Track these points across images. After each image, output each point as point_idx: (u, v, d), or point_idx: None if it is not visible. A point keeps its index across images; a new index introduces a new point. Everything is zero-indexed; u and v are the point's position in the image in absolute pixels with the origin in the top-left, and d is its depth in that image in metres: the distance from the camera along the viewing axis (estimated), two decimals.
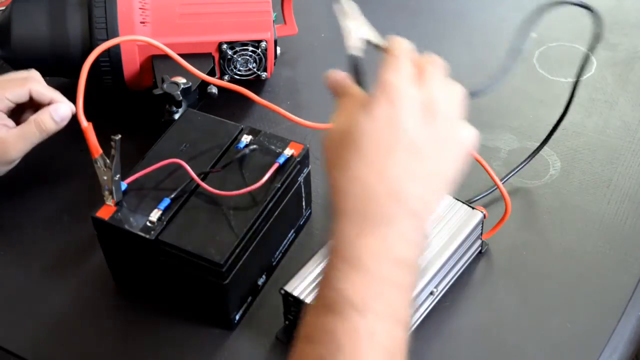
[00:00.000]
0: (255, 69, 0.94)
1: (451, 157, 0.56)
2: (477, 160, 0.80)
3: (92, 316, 0.77)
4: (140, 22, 0.89)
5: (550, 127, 0.93)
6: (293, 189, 0.78)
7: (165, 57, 0.81)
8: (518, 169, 0.86)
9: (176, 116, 0.85)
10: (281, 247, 0.79)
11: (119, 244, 0.73)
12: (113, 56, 0.88)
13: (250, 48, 0.92)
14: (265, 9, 0.92)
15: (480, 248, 0.79)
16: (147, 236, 0.70)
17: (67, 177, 0.89)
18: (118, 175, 0.72)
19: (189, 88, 0.85)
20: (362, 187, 0.53)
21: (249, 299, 0.76)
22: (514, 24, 1.09)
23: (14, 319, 0.77)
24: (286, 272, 0.76)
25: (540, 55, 1.03)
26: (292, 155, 0.77)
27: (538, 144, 0.91)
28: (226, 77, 0.93)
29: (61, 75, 0.93)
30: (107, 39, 0.86)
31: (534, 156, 0.87)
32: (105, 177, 0.72)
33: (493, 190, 0.84)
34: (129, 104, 0.95)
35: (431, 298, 0.73)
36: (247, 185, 0.73)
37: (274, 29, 0.94)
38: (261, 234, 0.73)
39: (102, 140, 0.72)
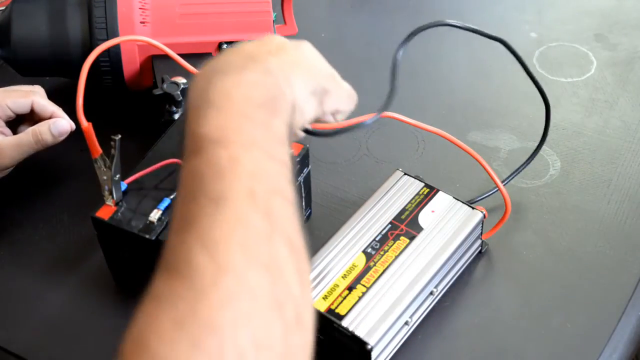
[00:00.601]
0: None
1: (321, 70, 0.61)
2: (477, 160, 0.80)
3: (92, 316, 0.77)
4: (140, 22, 0.89)
5: (550, 127, 0.93)
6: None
7: (165, 57, 0.81)
8: (519, 170, 0.86)
9: (176, 116, 0.85)
10: None
11: (119, 244, 0.73)
12: (113, 56, 0.88)
13: None
14: (265, 9, 0.92)
15: (480, 248, 0.79)
16: (147, 236, 0.70)
17: (67, 177, 0.89)
18: (118, 175, 0.72)
19: (189, 87, 0.85)
20: (221, 55, 0.56)
21: None
22: (514, 24, 1.09)
23: (14, 319, 0.77)
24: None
25: (540, 55, 1.03)
26: (292, 155, 0.77)
27: (538, 144, 0.91)
28: None
29: (61, 75, 0.93)
30: (107, 39, 0.86)
31: (534, 157, 0.87)
32: (105, 177, 0.72)
33: (494, 192, 0.84)
34: (129, 104, 0.95)
35: (431, 298, 0.73)
36: None
37: (274, 29, 0.94)
38: None
39: (102, 140, 0.72)
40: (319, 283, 0.70)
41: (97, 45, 0.77)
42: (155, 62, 0.89)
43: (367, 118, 0.78)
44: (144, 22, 0.89)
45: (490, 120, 0.94)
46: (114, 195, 0.72)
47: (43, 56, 0.89)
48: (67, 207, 0.86)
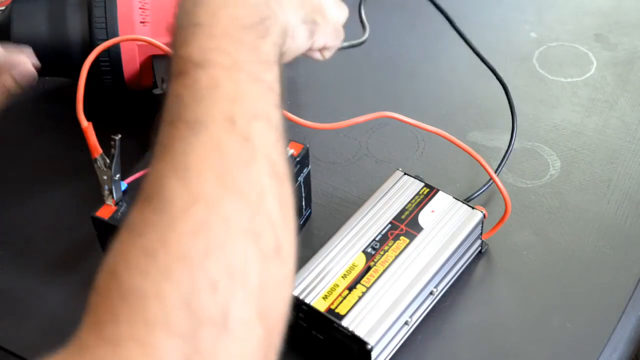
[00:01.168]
0: None
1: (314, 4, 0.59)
2: (477, 160, 0.80)
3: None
4: (140, 22, 0.89)
5: (550, 127, 0.93)
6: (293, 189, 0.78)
7: (165, 57, 0.81)
8: (505, 158, 0.87)
9: None
10: None
11: None
12: (113, 56, 0.88)
13: None
14: None
15: (480, 248, 0.79)
16: None
17: (67, 177, 0.89)
18: (118, 175, 0.72)
19: None
20: None
21: None
22: (514, 24, 1.09)
23: (14, 319, 0.77)
24: (296, 245, 0.76)
25: (540, 55, 1.03)
26: (292, 155, 0.77)
27: (538, 144, 0.91)
28: None
29: (61, 75, 0.93)
30: (107, 39, 0.86)
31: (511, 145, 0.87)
32: (105, 177, 0.72)
33: (489, 185, 0.84)
34: (129, 104, 0.95)
35: (431, 298, 0.73)
36: None
37: None
38: None
39: (102, 140, 0.72)
40: (319, 283, 0.70)
41: (97, 45, 0.77)
42: (155, 62, 0.89)
43: (367, 118, 0.78)
44: (144, 22, 0.89)
45: (490, 120, 0.94)
46: (114, 195, 0.72)
47: (43, 56, 0.89)
48: (67, 207, 0.86)
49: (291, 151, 0.77)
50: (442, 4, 1.13)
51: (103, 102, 0.94)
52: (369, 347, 0.66)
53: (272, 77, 0.50)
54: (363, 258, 0.72)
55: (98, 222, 0.72)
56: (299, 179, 0.78)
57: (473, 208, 0.76)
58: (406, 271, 0.71)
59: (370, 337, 0.66)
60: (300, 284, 0.70)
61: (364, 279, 0.70)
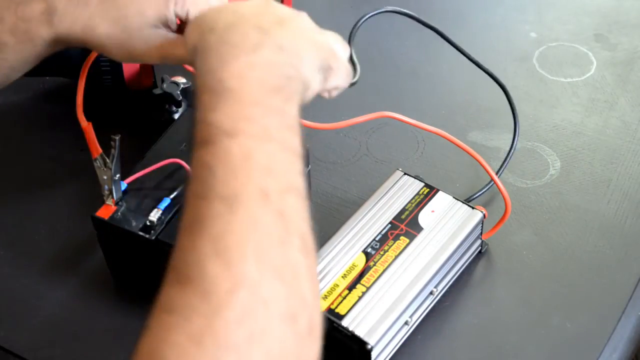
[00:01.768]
0: None
1: (325, 49, 0.59)
2: (477, 160, 0.80)
3: (92, 316, 0.77)
4: None
5: (550, 127, 0.93)
6: None
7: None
8: (507, 160, 0.87)
9: (176, 116, 0.85)
10: None
11: (119, 244, 0.73)
12: None
13: None
14: None
15: (480, 248, 0.79)
16: (147, 236, 0.70)
17: (67, 177, 0.89)
18: (118, 175, 0.72)
19: (189, 88, 0.85)
20: (226, 21, 0.54)
21: None
22: (514, 24, 1.09)
23: (14, 319, 0.77)
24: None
25: (540, 55, 1.03)
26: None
27: (538, 144, 0.91)
28: None
29: (61, 75, 0.93)
30: None
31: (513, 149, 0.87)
32: (105, 177, 0.72)
33: (490, 186, 0.84)
34: (129, 104, 0.95)
35: (431, 298, 0.73)
36: None
37: None
38: None
39: (102, 140, 0.72)
40: (319, 283, 0.70)
41: None
42: None
43: (367, 118, 0.78)
44: None
45: (490, 120, 0.94)
46: (114, 195, 0.72)
47: None
48: (67, 207, 0.86)
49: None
50: (441, 4, 1.13)
51: (103, 102, 0.94)
52: (369, 347, 0.66)
53: (297, 142, 0.51)
54: (363, 258, 0.72)
55: (98, 222, 0.72)
56: None
57: (473, 208, 0.76)
58: (406, 271, 0.71)
59: (370, 337, 0.66)
60: None
61: (364, 279, 0.70)
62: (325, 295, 0.69)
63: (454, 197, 0.77)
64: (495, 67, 1.01)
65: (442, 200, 0.77)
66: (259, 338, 0.42)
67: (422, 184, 0.78)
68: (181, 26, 0.63)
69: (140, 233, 0.70)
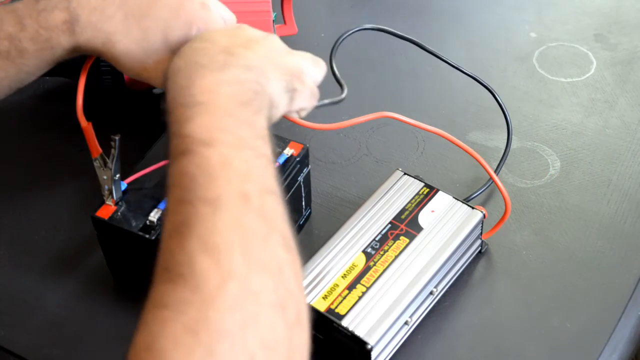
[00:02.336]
0: None
1: (290, 69, 0.62)
2: (477, 160, 0.80)
3: (92, 316, 0.77)
4: None
5: (550, 127, 0.93)
6: (293, 189, 0.78)
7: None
8: (503, 160, 0.88)
9: None
10: None
11: (119, 244, 0.73)
12: None
13: None
14: (265, 9, 0.92)
15: (480, 248, 0.79)
16: (147, 236, 0.70)
17: (67, 177, 0.89)
18: (118, 175, 0.72)
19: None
20: (194, 46, 0.58)
21: None
22: (514, 24, 1.09)
23: (14, 319, 0.77)
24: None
25: (540, 55, 1.03)
26: (292, 155, 0.77)
27: (538, 144, 0.91)
28: None
29: (61, 75, 0.93)
30: None
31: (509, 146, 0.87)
32: (105, 177, 0.72)
33: (489, 185, 0.84)
34: (129, 104, 0.95)
35: (431, 298, 0.73)
36: None
37: (274, 29, 0.94)
38: None
39: (102, 140, 0.72)
40: (319, 283, 0.70)
41: None
42: None
43: (367, 118, 0.78)
44: None
45: (490, 120, 0.94)
46: (114, 195, 0.72)
47: None
48: (67, 207, 0.86)
49: (291, 151, 0.77)
50: (441, 4, 1.13)
51: (103, 102, 0.94)
52: (369, 347, 0.66)
53: (269, 151, 0.54)
54: (363, 258, 0.72)
55: (98, 222, 0.72)
56: (298, 179, 0.78)
57: (473, 208, 0.76)
58: (406, 271, 0.71)
59: (370, 337, 0.66)
60: None
61: (364, 278, 0.70)
62: (325, 295, 0.69)
63: (453, 197, 0.77)
64: (495, 67, 1.02)
65: (442, 200, 0.77)
66: (251, 325, 0.44)
67: (422, 184, 0.78)
68: None
69: (140, 233, 0.70)
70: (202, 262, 0.45)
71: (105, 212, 0.72)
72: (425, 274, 0.71)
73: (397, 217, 0.75)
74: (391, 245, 0.73)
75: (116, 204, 0.73)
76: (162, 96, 0.80)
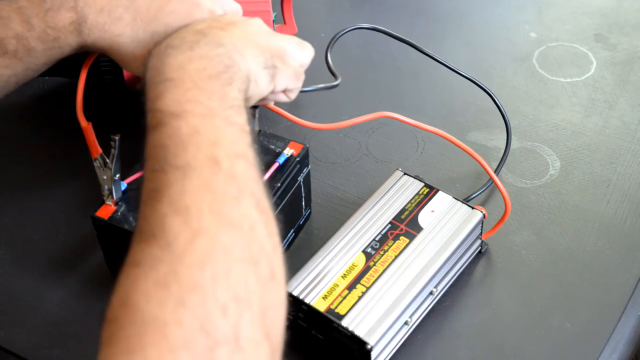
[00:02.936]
0: None
1: (272, 47, 0.63)
2: (477, 160, 0.80)
3: (92, 316, 0.77)
4: None
5: (550, 127, 0.93)
6: (293, 189, 0.78)
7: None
8: (503, 160, 0.88)
9: None
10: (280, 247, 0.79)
11: (119, 244, 0.73)
12: None
13: None
14: (265, 9, 0.92)
15: (480, 248, 0.79)
16: None
17: (67, 177, 0.89)
18: (118, 175, 0.72)
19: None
20: (173, 35, 0.60)
21: None
22: (514, 24, 1.09)
23: (14, 319, 0.77)
24: (286, 271, 0.76)
25: (540, 55, 1.03)
26: (291, 155, 0.77)
27: (538, 144, 0.91)
28: None
29: (61, 75, 0.93)
30: None
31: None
32: (104, 177, 0.72)
33: (489, 185, 0.84)
34: (129, 104, 0.95)
35: (431, 298, 0.73)
36: None
37: (274, 29, 0.94)
38: None
39: (102, 140, 0.72)
40: (319, 283, 0.70)
41: None
42: None
43: (367, 118, 0.78)
44: None
45: (490, 120, 0.94)
46: (114, 195, 0.72)
47: None
48: (67, 207, 0.86)
49: (291, 151, 0.77)
50: (441, 4, 1.13)
51: (103, 102, 0.94)
52: (369, 347, 0.66)
53: (242, 120, 0.55)
54: (363, 258, 0.72)
55: (98, 222, 0.72)
56: (298, 179, 0.78)
57: (473, 208, 0.76)
58: (406, 271, 0.71)
59: (370, 337, 0.66)
60: (300, 284, 0.70)
61: (364, 278, 0.70)
62: (325, 295, 0.69)
63: (453, 197, 0.77)
64: (495, 67, 1.02)
65: (441, 200, 0.77)
66: (222, 279, 0.45)
67: (422, 184, 0.78)
68: None
69: None
70: (172, 222, 0.46)
71: (105, 212, 0.72)
72: (425, 274, 0.71)
73: (397, 217, 0.75)
74: (391, 245, 0.73)
75: (116, 204, 0.73)
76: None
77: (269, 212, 0.51)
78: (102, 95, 0.92)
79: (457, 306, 0.76)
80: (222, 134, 0.52)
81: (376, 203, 0.77)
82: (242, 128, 0.54)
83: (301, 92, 0.71)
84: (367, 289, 0.69)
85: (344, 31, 0.85)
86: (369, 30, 0.88)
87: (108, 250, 0.76)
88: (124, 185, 0.73)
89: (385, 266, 0.71)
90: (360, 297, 0.69)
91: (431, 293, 0.73)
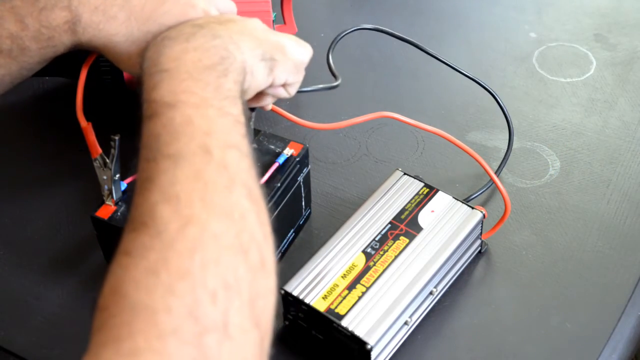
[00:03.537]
0: None
1: (271, 41, 0.63)
2: (477, 160, 0.80)
3: (92, 316, 0.77)
4: None
5: (550, 127, 0.93)
6: (293, 189, 0.78)
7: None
8: (504, 161, 0.88)
9: None
10: (280, 247, 0.79)
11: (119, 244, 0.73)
12: None
13: None
14: (265, 9, 0.92)
15: (479, 248, 0.79)
16: None
17: (67, 177, 0.89)
18: (117, 175, 0.72)
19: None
20: (168, 30, 0.60)
21: None
22: (513, 24, 1.09)
23: (14, 319, 0.77)
24: (286, 271, 0.76)
25: (540, 55, 1.03)
26: (291, 155, 0.77)
27: (537, 144, 0.91)
28: None
29: (61, 75, 0.93)
30: None
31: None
32: (104, 177, 0.72)
33: (489, 185, 0.84)
34: (129, 104, 0.95)
35: (431, 298, 0.73)
36: None
37: (274, 29, 0.94)
38: None
39: (102, 140, 0.72)
40: (318, 283, 0.70)
41: None
42: None
43: (367, 118, 0.78)
44: None
45: (490, 120, 0.94)
46: (114, 195, 0.72)
47: None
48: (67, 207, 0.86)
49: (291, 151, 0.77)
50: (441, 4, 1.13)
51: (103, 102, 0.94)
52: (369, 347, 0.66)
53: (237, 111, 0.55)
54: (363, 258, 0.72)
55: (98, 222, 0.72)
56: (298, 179, 0.78)
57: (473, 208, 0.76)
58: (406, 271, 0.71)
59: (370, 337, 0.66)
60: (300, 284, 0.70)
61: (364, 279, 0.70)
62: (325, 295, 0.69)
63: (453, 197, 0.77)
64: (494, 67, 1.02)
65: (441, 200, 0.77)
66: (212, 266, 0.45)
67: (422, 184, 0.78)
68: None
69: None
70: (163, 210, 0.47)
71: (105, 212, 0.72)
72: (425, 274, 0.71)
73: (397, 217, 0.75)
74: (391, 245, 0.73)
75: (116, 204, 0.73)
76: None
77: (260, 202, 0.51)
78: (102, 95, 0.93)
79: (456, 306, 0.76)
80: (215, 124, 0.52)
81: (376, 203, 0.77)
82: (236, 119, 0.54)
83: (301, 92, 0.71)
84: (367, 289, 0.69)
85: (346, 32, 0.85)
86: (368, 30, 0.88)
87: (108, 250, 0.76)
88: (123, 185, 0.73)
89: (385, 266, 0.71)
90: (360, 297, 0.69)
91: (431, 293, 0.73)
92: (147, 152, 0.51)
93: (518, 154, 0.89)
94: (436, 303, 0.75)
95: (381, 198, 0.77)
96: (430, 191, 0.78)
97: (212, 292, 0.44)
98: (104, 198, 0.73)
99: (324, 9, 1.14)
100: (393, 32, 0.86)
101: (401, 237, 0.73)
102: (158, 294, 0.43)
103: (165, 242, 0.45)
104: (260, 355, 0.46)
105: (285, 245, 0.80)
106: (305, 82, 0.69)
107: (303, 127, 0.81)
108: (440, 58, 0.88)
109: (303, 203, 0.82)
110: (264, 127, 0.87)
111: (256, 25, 0.64)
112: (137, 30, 0.63)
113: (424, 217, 0.75)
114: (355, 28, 0.87)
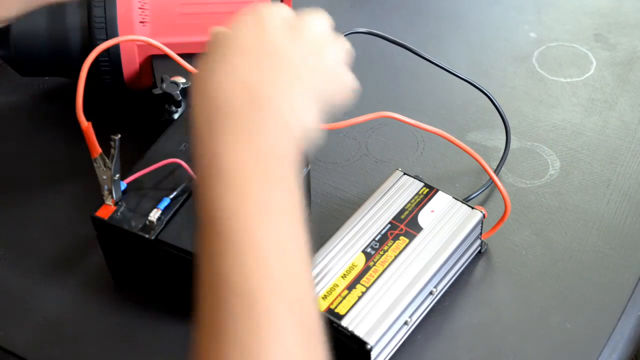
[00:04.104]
0: None
1: (320, 72, 0.55)
2: (477, 160, 0.80)
3: (92, 316, 0.77)
4: (140, 22, 0.89)
5: (550, 127, 0.93)
6: None
7: (165, 57, 0.81)
8: (503, 160, 0.88)
9: (176, 116, 0.85)
10: None
11: (119, 244, 0.73)
12: (112, 56, 0.88)
13: None
14: None
15: (479, 248, 0.79)
16: (147, 236, 0.70)
17: (67, 177, 0.89)
18: (118, 175, 0.72)
19: (188, 88, 0.85)
20: (225, 96, 0.50)
21: None
22: (513, 24, 1.09)
23: (14, 319, 0.77)
24: None
25: (540, 55, 1.03)
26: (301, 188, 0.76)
27: (537, 144, 0.91)
28: None
29: (61, 75, 0.93)
30: (107, 39, 0.86)
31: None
32: (104, 177, 0.72)
33: (489, 185, 0.84)
34: (129, 104, 0.95)
35: (430, 298, 0.73)
36: None
37: None
38: None
39: (102, 140, 0.72)
40: (318, 283, 0.70)
41: (97, 45, 0.77)
42: (155, 62, 0.89)
43: (367, 118, 0.78)
44: (143, 22, 0.89)
45: (490, 120, 0.94)
46: (114, 195, 0.72)
47: (42, 56, 0.89)
48: (67, 207, 0.86)
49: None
50: (441, 4, 1.13)
51: (103, 102, 0.94)
52: (369, 347, 0.66)
53: (299, 208, 0.50)
54: (363, 258, 0.72)
55: (98, 222, 0.72)
56: None
57: (473, 208, 0.76)
58: (406, 271, 0.71)
59: (370, 337, 0.66)
60: None
61: (364, 278, 0.70)
62: (325, 295, 0.69)
63: (453, 197, 0.77)
64: (494, 67, 1.02)
65: (441, 200, 0.77)
66: None
67: (422, 184, 0.78)
68: None
69: (140, 233, 0.70)
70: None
71: (105, 212, 0.72)
72: (425, 274, 0.71)
73: (397, 217, 0.75)
74: (391, 245, 0.73)
75: (116, 204, 0.73)
76: (162, 97, 0.80)
77: (320, 346, 0.48)
78: (102, 95, 0.93)
79: (456, 306, 0.76)
80: (288, 261, 0.48)
81: (376, 203, 0.77)
82: (300, 222, 0.50)
83: None
84: (367, 289, 0.69)
85: (343, 35, 0.85)
86: (369, 29, 0.88)
87: (108, 251, 0.76)
88: (123, 185, 0.73)
89: (385, 266, 0.71)
90: (360, 297, 0.69)
91: (431, 293, 0.73)
92: (211, 280, 0.47)
93: (518, 154, 0.89)
94: (436, 303, 0.75)
95: (381, 198, 0.77)
96: (430, 191, 0.78)
97: None
98: (104, 198, 0.73)
99: (324, 9, 1.14)
100: (387, 35, 0.86)
101: (401, 237, 0.73)
102: None
103: None
104: None
105: None
106: None
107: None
108: (433, 60, 0.88)
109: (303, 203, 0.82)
110: None
111: (316, 38, 0.57)
112: None
113: (423, 217, 0.75)
114: (350, 32, 0.87)
